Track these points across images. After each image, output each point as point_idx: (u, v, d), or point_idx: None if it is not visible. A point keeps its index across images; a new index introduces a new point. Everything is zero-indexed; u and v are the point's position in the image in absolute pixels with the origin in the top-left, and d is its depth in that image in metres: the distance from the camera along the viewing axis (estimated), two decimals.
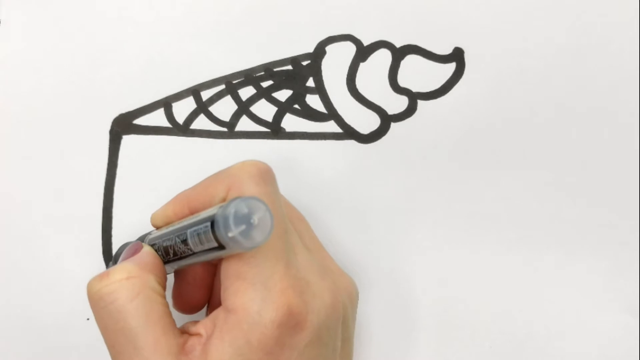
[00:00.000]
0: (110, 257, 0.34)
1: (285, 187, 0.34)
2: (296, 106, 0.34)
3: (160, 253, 0.26)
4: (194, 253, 0.23)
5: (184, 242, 0.23)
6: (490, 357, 0.33)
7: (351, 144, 0.34)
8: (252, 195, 0.23)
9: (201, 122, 0.34)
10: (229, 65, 0.34)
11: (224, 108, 0.34)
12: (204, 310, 0.30)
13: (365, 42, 0.34)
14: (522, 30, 0.34)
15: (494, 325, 0.33)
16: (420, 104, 0.34)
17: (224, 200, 0.24)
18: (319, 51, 0.34)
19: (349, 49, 0.34)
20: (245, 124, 0.34)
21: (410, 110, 0.34)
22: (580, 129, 0.34)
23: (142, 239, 0.28)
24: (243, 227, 0.21)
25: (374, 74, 0.34)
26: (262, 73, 0.34)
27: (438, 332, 0.33)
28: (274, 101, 0.34)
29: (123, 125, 0.34)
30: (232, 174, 0.24)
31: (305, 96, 0.34)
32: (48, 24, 0.34)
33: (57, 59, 0.34)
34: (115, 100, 0.34)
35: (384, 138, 0.34)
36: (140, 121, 0.34)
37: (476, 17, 0.34)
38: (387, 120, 0.34)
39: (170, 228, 0.25)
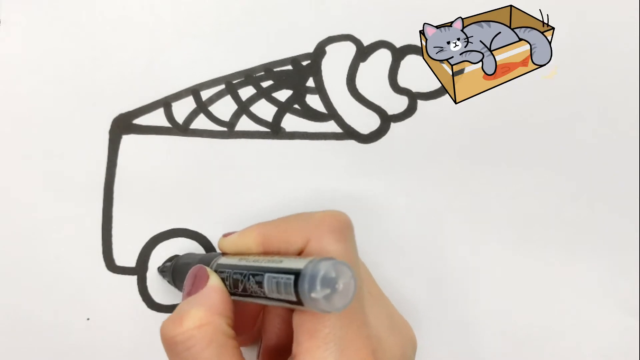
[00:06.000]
0: (110, 257, 0.34)
1: (285, 187, 0.34)
2: (296, 106, 0.34)
3: (227, 283, 0.25)
4: (265, 297, 0.23)
5: (259, 284, 0.23)
6: (490, 357, 0.33)
7: (351, 144, 0.34)
8: (332, 251, 0.23)
9: (201, 122, 0.34)
10: (229, 65, 0.34)
11: (224, 108, 0.34)
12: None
13: (365, 42, 0.34)
14: None
15: (494, 325, 0.33)
16: (420, 104, 0.34)
17: (301, 249, 0.24)
18: (319, 51, 0.34)
19: (349, 49, 0.34)
20: (245, 123, 0.34)
21: (410, 110, 0.34)
22: (580, 129, 0.34)
23: (207, 260, 0.27)
24: (328, 291, 0.21)
25: (374, 74, 0.34)
26: (262, 73, 0.34)
27: (437, 331, 0.33)
28: (274, 101, 0.34)
29: (123, 125, 0.34)
30: (313, 225, 0.24)
31: (305, 96, 0.34)
32: (48, 24, 0.34)
33: (57, 59, 0.34)
34: (115, 100, 0.34)
35: (384, 138, 0.34)
36: (140, 121, 0.34)
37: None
38: (387, 120, 0.34)
39: (244, 262, 0.25)
